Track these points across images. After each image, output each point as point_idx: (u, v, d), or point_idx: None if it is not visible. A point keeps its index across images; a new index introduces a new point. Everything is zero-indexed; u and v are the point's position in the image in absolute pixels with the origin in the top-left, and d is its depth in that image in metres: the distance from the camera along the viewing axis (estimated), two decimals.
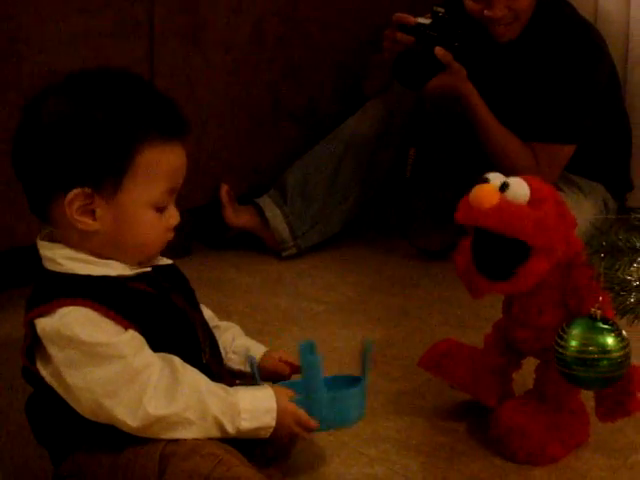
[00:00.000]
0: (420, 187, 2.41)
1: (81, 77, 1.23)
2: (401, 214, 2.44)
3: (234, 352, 1.39)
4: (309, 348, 1.34)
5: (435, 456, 1.50)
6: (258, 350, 1.40)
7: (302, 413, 1.27)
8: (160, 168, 1.20)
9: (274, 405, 1.24)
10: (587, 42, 2.18)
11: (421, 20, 2.13)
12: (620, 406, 1.41)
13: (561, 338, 1.31)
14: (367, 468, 1.46)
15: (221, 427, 1.20)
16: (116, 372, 1.16)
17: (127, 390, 1.16)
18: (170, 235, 1.26)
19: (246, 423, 1.22)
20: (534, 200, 1.40)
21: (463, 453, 1.51)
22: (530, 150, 2.16)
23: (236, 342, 1.39)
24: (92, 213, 1.19)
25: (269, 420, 1.24)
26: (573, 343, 1.30)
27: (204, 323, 1.32)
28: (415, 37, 2.12)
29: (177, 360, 1.21)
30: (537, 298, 1.47)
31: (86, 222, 1.19)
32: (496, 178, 1.42)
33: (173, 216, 1.25)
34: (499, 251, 1.41)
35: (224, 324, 1.43)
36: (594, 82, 2.19)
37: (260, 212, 2.36)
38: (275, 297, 2.11)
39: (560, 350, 1.31)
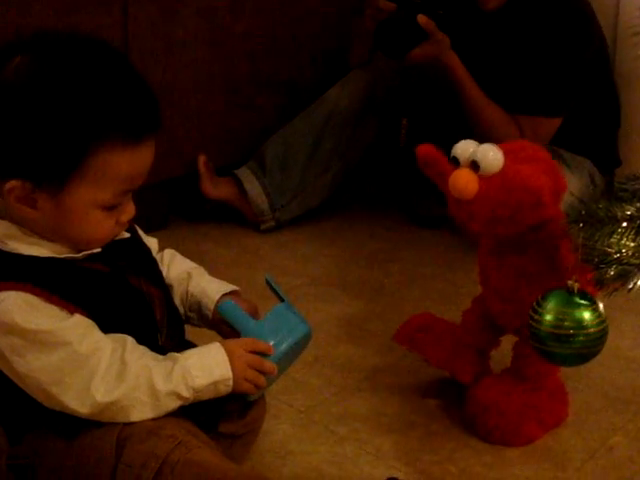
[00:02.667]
0: (415, 156, 2.36)
1: (52, 44, 1.09)
2: (397, 184, 2.40)
3: (191, 310, 1.32)
4: (227, 307, 1.28)
5: (408, 435, 1.46)
6: (212, 296, 1.32)
7: (253, 356, 1.20)
8: (114, 173, 1.09)
9: (224, 356, 1.18)
10: (575, 12, 2.13)
11: None
12: None
13: (535, 312, 1.25)
14: (336, 447, 1.42)
15: (178, 396, 1.15)
16: (61, 359, 1.10)
17: (74, 377, 1.10)
18: (121, 228, 1.18)
19: (200, 380, 1.15)
20: (524, 157, 1.36)
21: (437, 432, 1.47)
22: (515, 122, 2.11)
23: (190, 299, 1.32)
24: (33, 202, 1.10)
25: (223, 372, 1.17)
26: (548, 317, 1.24)
27: (165, 301, 1.25)
28: (397, 4, 2.07)
29: (130, 340, 1.15)
30: (517, 270, 1.43)
31: (25, 210, 1.10)
32: (465, 154, 1.36)
33: (126, 212, 1.15)
34: None
35: (178, 279, 1.33)
36: (581, 53, 2.13)
37: (239, 184, 2.32)
38: (253, 270, 2.07)
39: (534, 325, 1.25)
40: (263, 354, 1.22)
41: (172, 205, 2.33)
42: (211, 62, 2.26)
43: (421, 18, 2.06)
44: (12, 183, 1.08)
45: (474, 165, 1.34)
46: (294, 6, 2.39)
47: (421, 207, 2.34)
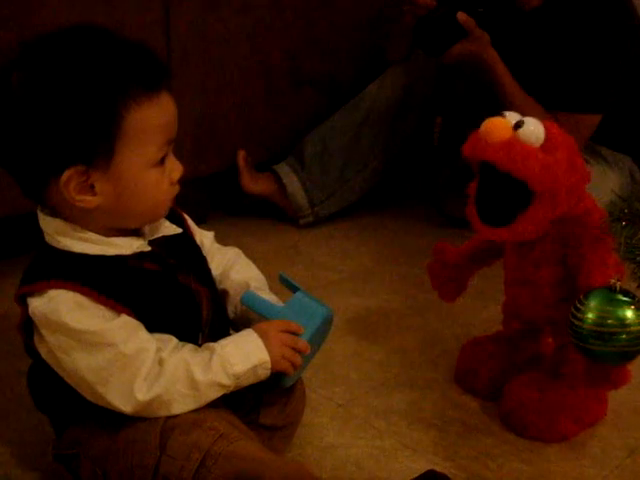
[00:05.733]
0: (448, 155, 2.36)
1: (39, 45, 1.12)
2: (429, 182, 2.40)
3: (240, 322, 1.33)
4: (250, 296, 1.29)
5: (446, 430, 1.46)
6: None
7: (287, 335, 1.23)
8: (151, 126, 1.12)
9: (258, 340, 1.20)
10: (616, 9, 2.12)
11: None
12: (606, 377, 1.34)
13: (577, 310, 1.25)
14: (376, 440, 1.43)
15: (219, 384, 1.16)
16: (107, 359, 1.12)
17: (119, 377, 1.12)
18: (176, 189, 1.19)
19: (239, 366, 1.17)
20: (548, 145, 1.34)
21: (475, 428, 1.47)
22: (554, 119, 2.10)
23: (241, 311, 1.33)
24: (91, 188, 1.12)
25: (260, 355, 1.19)
26: (590, 316, 1.23)
27: (212, 300, 1.26)
28: (437, 1, 2.07)
29: (174, 341, 1.17)
30: (536, 252, 1.43)
31: (86, 199, 1.12)
32: (512, 116, 1.36)
33: (175, 169, 1.18)
34: (502, 194, 1.36)
35: (235, 287, 1.34)
36: (622, 50, 2.12)
37: (278, 179, 2.34)
38: (290, 265, 2.09)
39: (576, 323, 1.25)
40: (294, 334, 1.24)
41: (212, 200, 2.35)
42: (251, 58, 2.28)
43: (461, 15, 2.06)
44: (67, 173, 1.10)
45: (518, 124, 1.34)
46: (333, 2, 2.40)
47: (451, 207, 2.34)
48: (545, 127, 1.36)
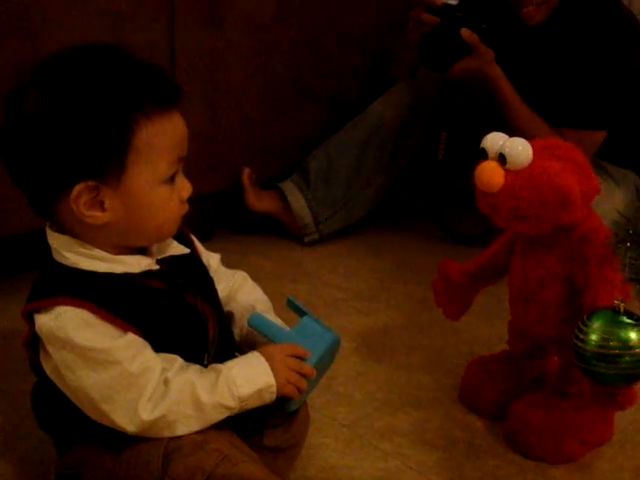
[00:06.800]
0: (452, 171, 2.36)
1: (56, 62, 1.13)
2: (433, 199, 2.40)
3: (246, 344, 1.33)
4: (258, 318, 1.28)
5: (451, 451, 1.46)
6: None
7: (293, 359, 1.22)
8: (161, 143, 1.13)
9: (265, 364, 1.19)
10: (620, 24, 2.12)
11: (448, 1, 2.08)
12: (612, 398, 1.32)
13: (581, 331, 1.23)
14: (380, 462, 1.42)
15: (224, 406, 1.16)
16: (112, 378, 1.11)
17: (123, 396, 1.11)
18: (185, 208, 1.20)
19: (244, 389, 1.16)
20: (555, 154, 1.35)
21: (480, 449, 1.46)
22: (559, 136, 2.10)
23: (247, 334, 1.32)
24: (100, 205, 1.12)
25: (266, 379, 1.18)
26: (593, 337, 1.22)
27: (219, 320, 1.26)
28: (441, 18, 2.07)
29: (180, 361, 1.16)
30: (541, 270, 1.43)
31: (95, 215, 1.12)
32: (493, 147, 1.35)
33: (184, 188, 1.18)
34: None
35: (241, 310, 1.34)
36: (627, 66, 2.12)
37: (282, 197, 2.33)
38: (295, 283, 2.08)
39: (579, 344, 1.23)
40: (301, 358, 1.23)
41: (217, 217, 2.34)
42: (256, 75, 2.28)
43: (465, 32, 2.06)
44: (77, 188, 1.10)
45: (501, 158, 1.33)
46: (338, 20, 2.40)
47: (454, 224, 2.34)
48: (547, 141, 1.37)
